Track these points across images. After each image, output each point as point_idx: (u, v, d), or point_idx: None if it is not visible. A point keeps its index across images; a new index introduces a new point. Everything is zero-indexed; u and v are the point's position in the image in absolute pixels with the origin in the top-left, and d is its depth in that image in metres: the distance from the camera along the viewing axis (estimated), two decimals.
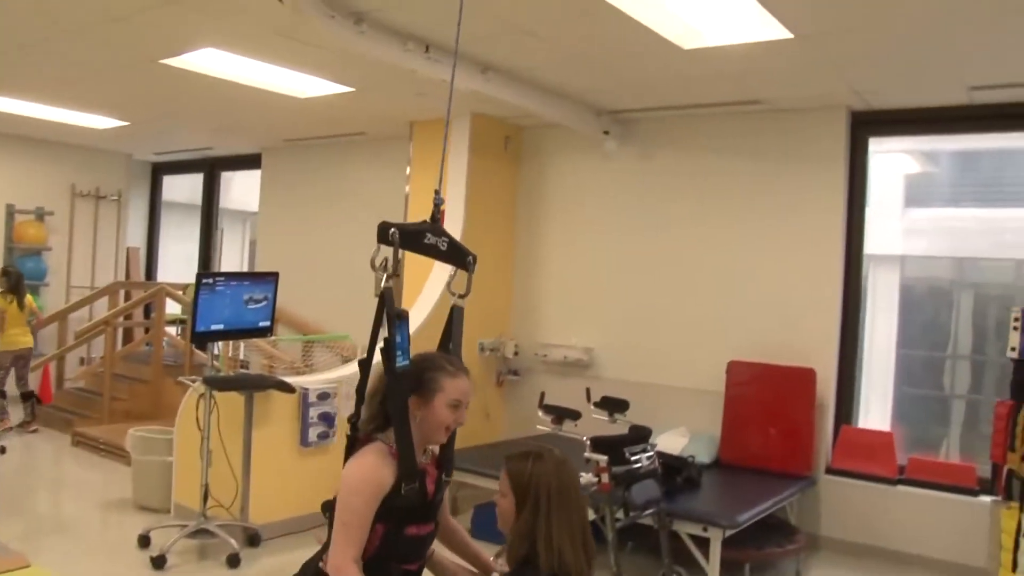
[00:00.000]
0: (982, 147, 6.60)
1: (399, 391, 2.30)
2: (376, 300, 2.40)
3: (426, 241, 2.53)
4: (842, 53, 4.83)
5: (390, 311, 2.33)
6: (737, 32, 4.54)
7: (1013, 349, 4.65)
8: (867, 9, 4.09)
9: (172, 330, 8.81)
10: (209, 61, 5.69)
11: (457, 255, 2.59)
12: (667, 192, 6.63)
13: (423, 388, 2.36)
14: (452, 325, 2.56)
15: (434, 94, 6.15)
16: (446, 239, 2.57)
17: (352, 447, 2.38)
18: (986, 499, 5.13)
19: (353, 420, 2.39)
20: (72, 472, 7.08)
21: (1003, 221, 6.52)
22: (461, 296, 2.57)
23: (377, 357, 2.38)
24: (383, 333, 2.36)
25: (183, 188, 11.72)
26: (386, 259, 2.39)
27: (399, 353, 2.29)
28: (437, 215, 2.59)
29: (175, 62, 5.72)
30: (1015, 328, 4.65)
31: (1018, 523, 4.38)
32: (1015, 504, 4.50)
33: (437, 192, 2.63)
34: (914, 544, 5.54)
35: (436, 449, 2.50)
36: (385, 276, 2.39)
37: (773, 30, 4.37)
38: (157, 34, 5.11)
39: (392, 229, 2.42)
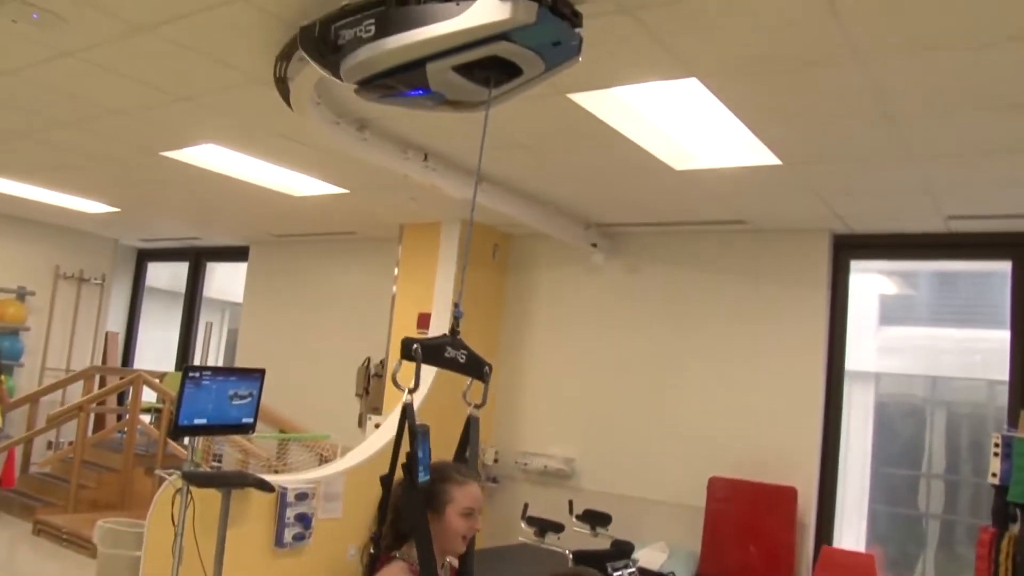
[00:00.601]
0: (957, 269, 6.79)
1: (419, 507, 2.31)
2: (399, 413, 2.45)
3: (446, 355, 2.55)
4: (826, 181, 5.01)
5: (412, 425, 2.34)
6: (728, 156, 4.71)
7: (994, 475, 4.69)
8: (850, 143, 4.28)
9: (146, 418, 8.68)
10: (209, 155, 5.79)
11: (475, 366, 2.61)
12: (652, 306, 6.73)
13: (435, 501, 2.37)
14: (468, 434, 2.57)
15: (426, 199, 6.26)
16: (465, 351, 2.60)
17: (373, 566, 2.36)
18: None
19: (376, 537, 2.37)
20: (31, 563, 6.84)
21: (976, 342, 6.66)
22: (478, 406, 2.57)
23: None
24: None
25: (166, 275, 11.73)
26: (394, 372, 2.45)
27: (420, 468, 2.31)
28: (457, 328, 2.62)
29: (175, 154, 5.81)
30: (995, 454, 4.70)
31: None
32: None
33: (456, 305, 2.64)
34: None
35: (455, 561, 2.50)
36: (407, 390, 2.41)
37: (763, 156, 4.55)
38: (161, 128, 5.20)
39: (415, 345, 2.45)
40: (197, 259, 10.65)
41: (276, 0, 3.19)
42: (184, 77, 4.17)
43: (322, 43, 2.83)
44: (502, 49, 2.49)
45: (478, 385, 2.62)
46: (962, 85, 3.44)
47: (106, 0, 3.32)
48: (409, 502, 2.31)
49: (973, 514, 5.81)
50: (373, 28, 2.63)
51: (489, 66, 2.57)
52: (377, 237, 8.14)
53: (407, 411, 2.40)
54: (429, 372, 6.21)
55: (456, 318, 2.64)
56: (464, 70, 2.58)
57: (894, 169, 4.64)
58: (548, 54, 2.56)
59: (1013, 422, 5.22)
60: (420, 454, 2.32)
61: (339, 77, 2.83)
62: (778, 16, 2.97)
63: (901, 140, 4.14)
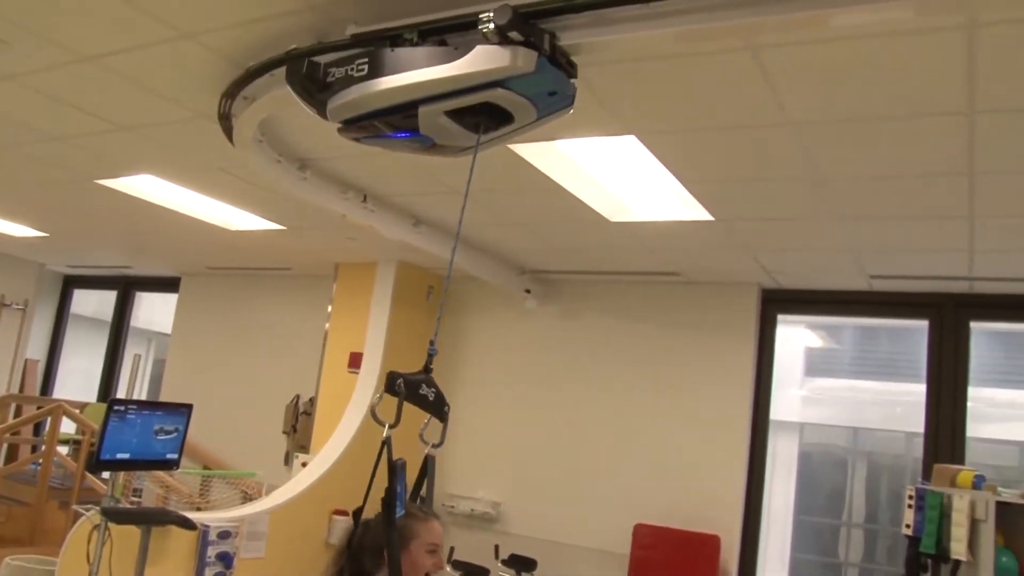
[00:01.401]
0: (879, 324, 7.03)
1: (395, 542, 2.31)
2: (378, 448, 2.47)
3: (421, 392, 2.56)
4: (756, 237, 5.17)
5: (391, 461, 2.35)
6: (662, 210, 4.83)
7: (908, 526, 4.83)
8: (780, 202, 4.44)
9: (64, 451, 8.40)
10: (145, 185, 5.71)
11: (439, 405, 2.59)
12: (583, 352, 6.81)
13: (400, 537, 2.38)
14: (426, 474, 2.56)
15: (363, 239, 6.27)
16: (434, 389, 2.60)
17: None
18: None
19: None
20: None
21: (896, 394, 6.88)
22: (435, 445, 2.55)
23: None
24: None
25: (93, 302, 11.44)
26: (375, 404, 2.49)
27: (399, 504, 2.34)
28: (430, 365, 2.63)
29: (111, 183, 5.73)
30: (909, 506, 4.85)
31: None
32: None
33: (432, 343, 2.65)
34: None
35: None
36: (388, 425, 2.42)
37: (695, 211, 4.68)
38: (99, 157, 5.12)
39: (399, 380, 2.49)
40: (126, 288, 10.42)
41: (223, 38, 3.20)
42: (126, 108, 4.13)
43: (309, 80, 2.78)
44: (497, 96, 2.46)
45: (436, 425, 2.59)
46: (888, 155, 3.62)
47: (52, 29, 3.29)
48: (389, 537, 2.31)
49: (891, 562, 5.98)
50: (366, 68, 2.59)
51: (481, 112, 2.53)
52: (312, 274, 8.09)
53: (386, 445, 2.42)
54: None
55: (430, 355, 2.65)
56: (455, 115, 2.54)
57: (821, 229, 4.82)
58: (542, 103, 2.53)
59: (926, 475, 5.40)
60: (399, 489, 2.34)
61: (324, 115, 2.77)
62: (714, 82, 3.10)
63: (829, 202, 4.31)
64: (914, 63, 2.80)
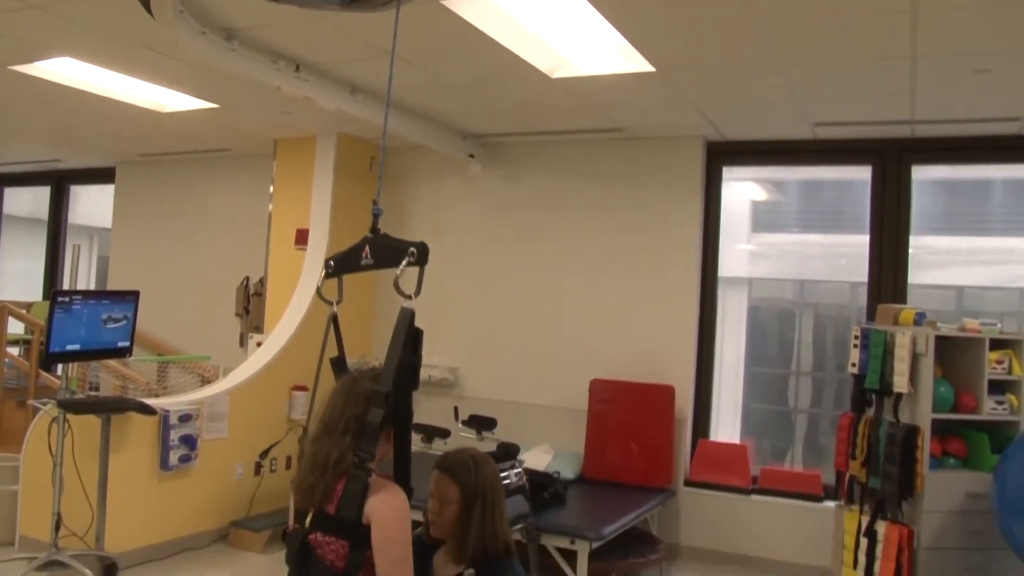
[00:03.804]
0: (824, 177, 7.09)
1: (409, 415, 2.37)
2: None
3: (363, 262, 2.59)
4: (698, 87, 5.12)
5: (409, 331, 2.34)
6: (604, 63, 4.74)
7: (853, 365, 5.00)
8: (721, 50, 4.37)
9: (14, 351, 8.29)
10: (64, 69, 5.45)
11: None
12: (531, 215, 6.80)
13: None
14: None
15: (300, 113, 6.09)
16: (386, 246, 2.57)
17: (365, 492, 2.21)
18: (830, 504, 5.49)
19: (365, 456, 2.20)
20: None
21: (840, 246, 7.00)
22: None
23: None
24: None
25: (26, 201, 11.08)
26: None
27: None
28: (376, 225, 2.62)
29: (25, 69, 5.45)
30: (855, 345, 5.01)
31: (858, 524, 4.73)
32: (856, 507, 4.85)
33: (375, 202, 2.63)
34: (766, 549, 5.88)
35: None
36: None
37: (637, 63, 4.60)
38: (8, 39, 4.86)
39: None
40: (59, 183, 10.09)
41: None
42: None
43: None
44: None
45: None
46: None
47: None
48: (400, 410, 2.32)
49: (837, 407, 6.21)
50: None
51: None
52: (251, 153, 7.89)
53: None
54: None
55: (375, 216, 2.63)
56: None
57: (763, 76, 4.77)
58: None
59: (871, 315, 5.57)
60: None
61: None
62: None
63: (770, 47, 4.26)
64: None
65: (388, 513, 2.16)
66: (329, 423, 2.26)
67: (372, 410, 2.21)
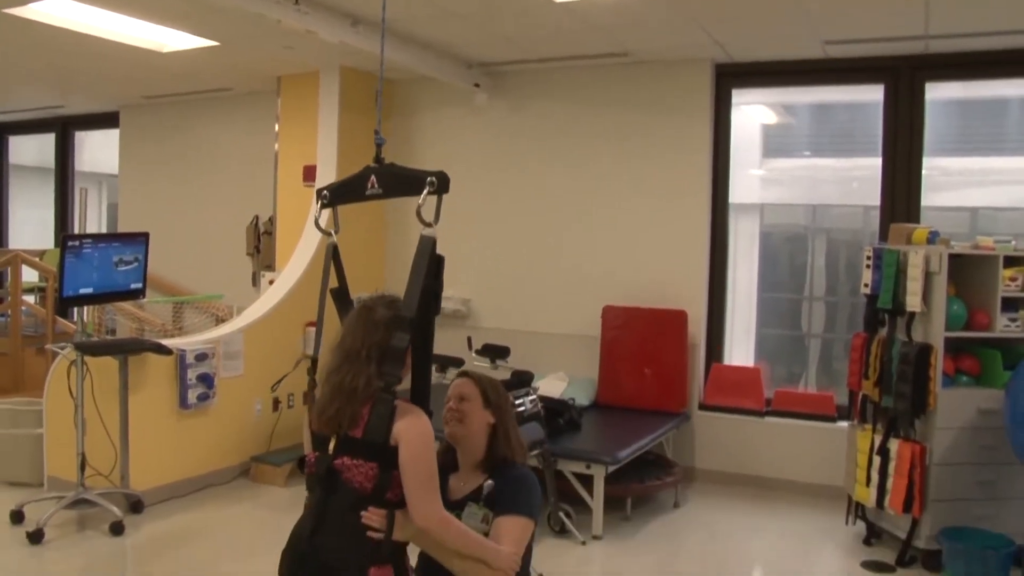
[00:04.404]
0: (835, 100, 6.98)
1: (431, 340, 2.40)
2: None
3: (368, 192, 2.57)
4: (704, 5, 5.00)
5: (432, 259, 2.38)
6: None
7: (866, 285, 4.98)
8: None
9: (30, 298, 8.37)
10: (60, 11, 5.37)
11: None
12: (539, 143, 6.73)
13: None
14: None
15: (302, 47, 6.01)
16: (397, 172, 2.57)
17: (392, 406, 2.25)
18: (844, 424, 5.53)
19: (392, 380, 2.24)
20: None
21: (852, 170, 6.93)
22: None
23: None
24: None
25: (32, 149, 11.05)
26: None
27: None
28: (380, 155, 2.61)
29: (20, 11, 5.36)
30: (867, 266, 4.98)
31: (871, 443, 4.77)
32: (868, 426, 4.89)
33: (377, 132, 2.63)
34: (780, 470, 5.94)
35: None
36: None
37: None
38: None
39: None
40: (64, 129, 10.05)
41: None
42: None
43: None
44: None
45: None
46: None
47: None
48: (423, 336, 2.36)
49: (850, 331, 6.20)
50: None
51: None
52: (254, 91, 7.82)
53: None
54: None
55: (378, 145, 2.62)
56: None
57: None
58: None
59: (883, 236, 5.53)
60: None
61: None
62: None
63: None
64: None
65: (415, 434, 2.20)
66: (350, 351, 2.28)
67: (397, 335, 2.26)
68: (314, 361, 2.58)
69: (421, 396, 2.39)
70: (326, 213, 2.70)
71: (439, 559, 2.29)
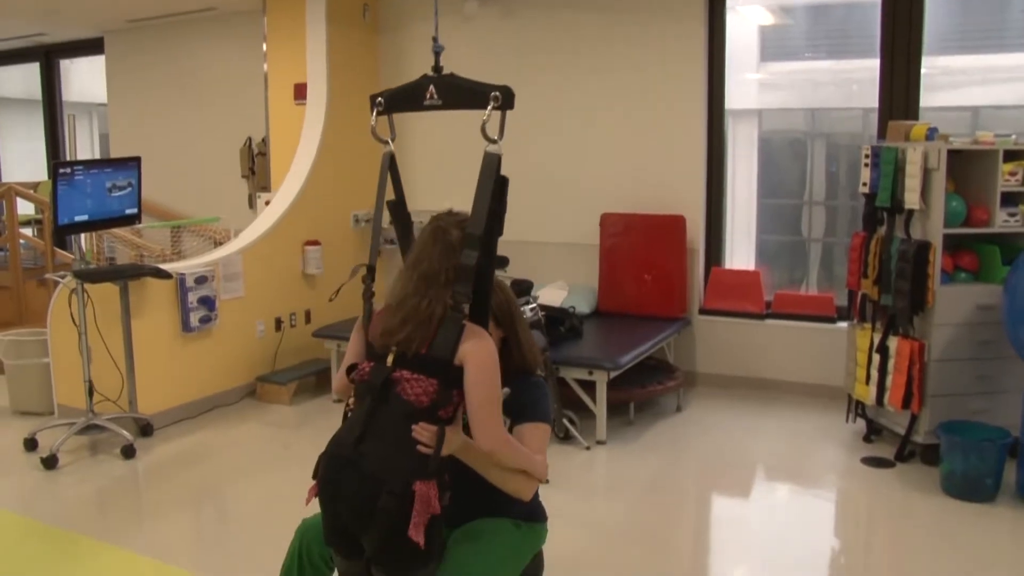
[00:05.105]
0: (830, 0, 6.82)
1: (493, 261, 2.32)
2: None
3: (427, 102, 2.48)
4: None
5: (497, 178, 2.32)
6: None
7: (864, 184, 4.95)
8: None
9: (27, 231, 8.35)
10: None
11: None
12: (531, 51, 6.61)
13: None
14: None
15: None
16: (459, 84, 2.48)
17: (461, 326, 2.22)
18: (843, 325, 5.56)
19: (461, 299, 2.21)
20: None
21: (851, 72, 6.81)
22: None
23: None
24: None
25: (17, 80, 10.88)
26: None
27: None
28: (438, 64, 2.52)
29: None
30: (866, 165, 4.94)
31: (871, 341, 4.80)
32: (868, 325, 4.92)
33: (435, 39, 2.56)
34: (781, 371, 6.01)
35: None
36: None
37: None
38: None
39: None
40: (48, 57, 9.87)
41: None
42: None
43: None
44: None
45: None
46: None
47: None
48: (487, 256, 2.28)
49: (850, 234, 6.19)
50: None
51: None
52: (239, 10, 7.65)
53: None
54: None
55: (436, 53, 2.56)
56: None
57: None
58: None
59: (881, 134, 5.47)
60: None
61: None
62: None
63: None
64: None
65: (484, 355, 2.18)
66: (428, 275, 2.25)
67: (466, 252, 2.22)
68: (370, 269, 2.50)
69: (479, 316, 2.33)
70: (382, 120, 2.56)
71: (479, 470, 2.31)
